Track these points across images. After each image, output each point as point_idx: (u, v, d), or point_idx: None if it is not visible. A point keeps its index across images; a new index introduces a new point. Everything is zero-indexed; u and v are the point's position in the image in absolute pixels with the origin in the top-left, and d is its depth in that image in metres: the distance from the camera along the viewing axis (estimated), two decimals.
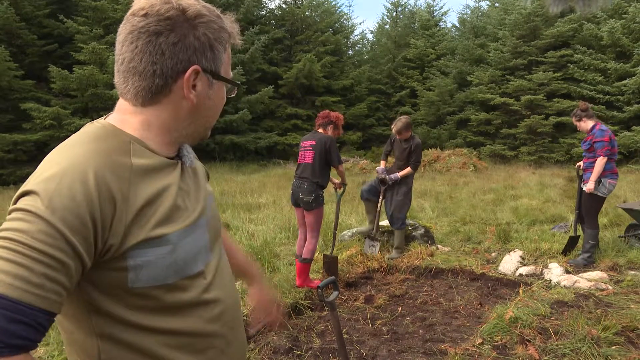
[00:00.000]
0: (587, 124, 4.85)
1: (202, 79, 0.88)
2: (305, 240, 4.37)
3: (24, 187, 0.75)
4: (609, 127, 5.55)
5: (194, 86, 0.88)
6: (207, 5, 0.89)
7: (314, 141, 4.29)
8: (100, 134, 0.84)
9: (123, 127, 0.87)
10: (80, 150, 0.80)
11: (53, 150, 0.82)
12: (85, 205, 0.74)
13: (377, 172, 5.36)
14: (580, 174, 5.08)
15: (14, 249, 0.69)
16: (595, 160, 4.73)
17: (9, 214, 0.74)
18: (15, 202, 0.75)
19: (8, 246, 0.70)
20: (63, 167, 0.76)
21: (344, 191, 4.77)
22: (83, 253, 0.74)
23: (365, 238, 5.56)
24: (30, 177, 0.77)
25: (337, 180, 4.67)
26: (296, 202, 4.31)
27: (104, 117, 0.91)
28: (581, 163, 5.13)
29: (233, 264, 1.21)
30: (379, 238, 5.45)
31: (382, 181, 5.32)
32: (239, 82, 0.89)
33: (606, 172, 4.70)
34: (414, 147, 5.23)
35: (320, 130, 4.42)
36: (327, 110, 4.59)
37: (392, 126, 5.29)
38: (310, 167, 4.21)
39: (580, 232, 5.11)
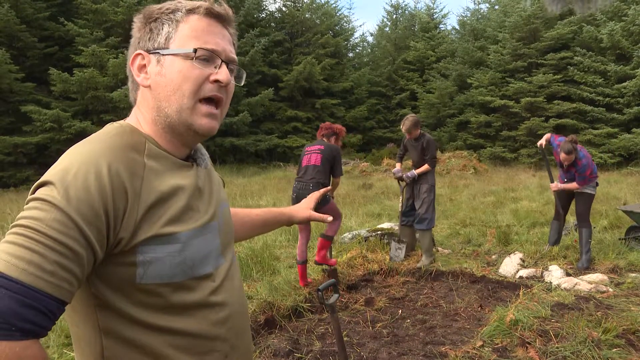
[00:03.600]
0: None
1: (148, 59, 0.90)
2: (306, 245, 4.37)
3: (42, 178, 0.78)
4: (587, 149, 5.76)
5: (143, 67, 0.91)
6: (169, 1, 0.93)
7: (322, 146, 4.43)
8: (118, 132, 0.88)
9: (138, 126, 0.92)
10: (97, 145, 0.83)
11: (74, 145, 0.85)
12: (99, 198, 0.76)
13: (393, 173, 5.40)
14: (541, 150, 5.23)
15: (28, 236, 0.71)
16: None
17: (27, 203, 0.77)
18: (33, 192, 0.77)
19: (23, 233, 0.71)
20: (80, 160, 0.78)
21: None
22: (95, 244, 0.76)
23: (389, 241, 5.44)
24: (49, 169, 0.80)
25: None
26: None
27: (124, 118, 0.96)
28: (543, 142, 5.12)
29: (259, 219, 1.33)
30: (405, 240, 5.24)
31: (399, 180, 5.36)
32: (192, 49, 0.90)
33: (592, 176, 4.95)
34: (426, 143, 5.14)
35: (324, 140, 4.55)
36: (329, 122, 4.76)
37: (401, 125, 5.16)
38: (318, 168, 4.32)
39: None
